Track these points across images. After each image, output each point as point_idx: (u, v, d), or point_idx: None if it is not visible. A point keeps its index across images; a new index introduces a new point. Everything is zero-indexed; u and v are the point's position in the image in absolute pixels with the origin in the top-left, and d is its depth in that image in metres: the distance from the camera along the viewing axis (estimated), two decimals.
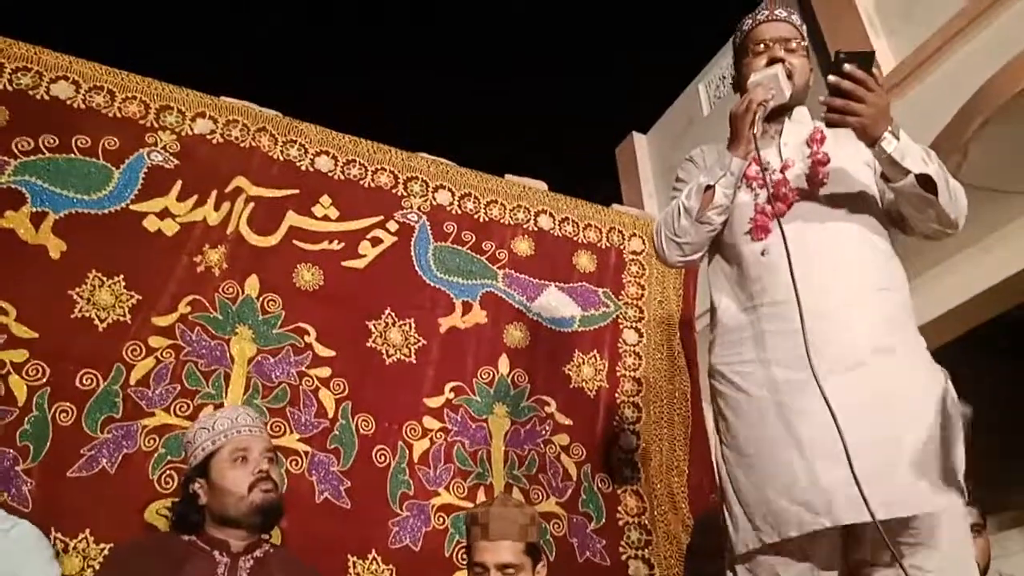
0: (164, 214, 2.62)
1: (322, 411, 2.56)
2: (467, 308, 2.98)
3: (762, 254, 1.81)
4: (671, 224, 1.92)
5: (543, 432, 2.89)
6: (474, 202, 3.23)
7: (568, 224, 3.37)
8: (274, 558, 1.92)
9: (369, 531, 2.46)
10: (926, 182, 1.66)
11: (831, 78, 1.63)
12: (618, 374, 3.14)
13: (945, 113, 3.32)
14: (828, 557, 1.68)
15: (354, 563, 2.38)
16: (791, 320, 1.67)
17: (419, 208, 3.09)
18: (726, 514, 1.77)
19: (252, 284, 2.65)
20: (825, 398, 1.55)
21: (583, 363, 3.08)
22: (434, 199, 3.14)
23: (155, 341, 2.42)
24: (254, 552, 1.89)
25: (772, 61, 1.87)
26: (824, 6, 4.11)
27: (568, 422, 2.94)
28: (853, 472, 1.50)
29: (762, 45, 1.90)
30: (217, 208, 2.70)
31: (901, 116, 3.57)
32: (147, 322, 2.44)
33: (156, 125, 2.74)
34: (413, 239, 3.01)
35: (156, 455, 2.27)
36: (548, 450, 2.86)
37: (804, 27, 1.98)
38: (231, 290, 2.61)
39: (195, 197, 2.68)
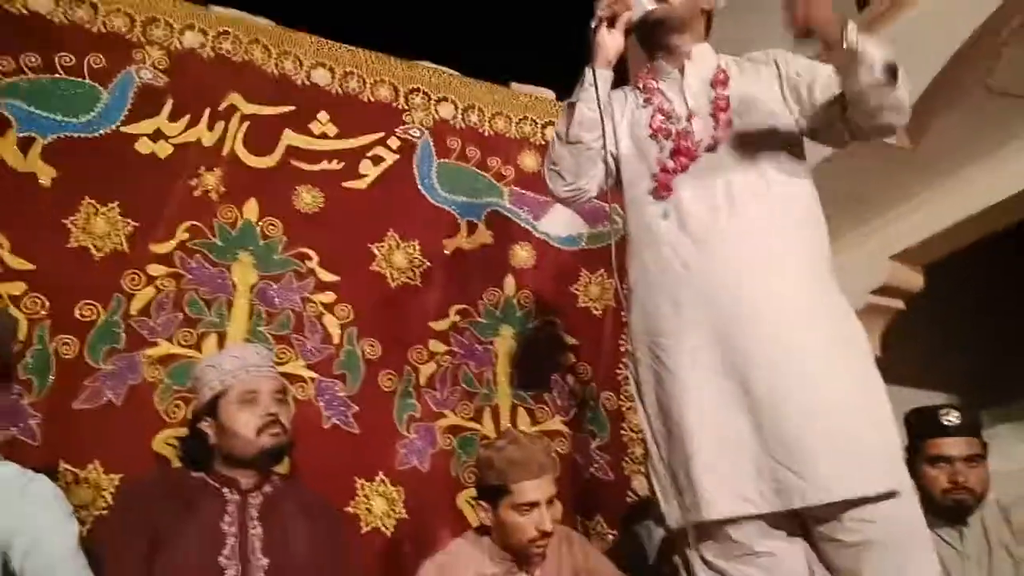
0: (157, 136, 2.51)
1: (327, 337, 2.54)
2: (472, 228, 2.91)
3: (663, 216, 1.76)
4: (550, 154, 1.92)
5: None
6: (478, 115, 3.10)
7: None
8: (283, 491, 1.95)
9: (377, 454, 2.49)
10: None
11: None
12: (626, 292, 3.09)
13: (977, 13, 3.13)
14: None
15: (362, 485, 2.42)
16: (701, 290, 1.68)
17: (421, 123, 2.96)
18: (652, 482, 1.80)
19: (251, 208, 2.58)
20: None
21: (590, 282, 3.04)
22: (437, 113, 3.01)
23: (154, 269, 2.38)
24: (262, 488, 1.91)
25: None
26: None
27: (574, 342, 2.93)
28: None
29: None
30: (211, 128, 2.59)
31: (927, 15, 3.38)
32: (145, 250, 2.38)
33: (143, 40, 2.59)
34: (416, 156, 2.91)
35: (162, 385, 2.27)
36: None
37: None
38: (230, 215, 2.54)
39: (187, 117, 2.57)
